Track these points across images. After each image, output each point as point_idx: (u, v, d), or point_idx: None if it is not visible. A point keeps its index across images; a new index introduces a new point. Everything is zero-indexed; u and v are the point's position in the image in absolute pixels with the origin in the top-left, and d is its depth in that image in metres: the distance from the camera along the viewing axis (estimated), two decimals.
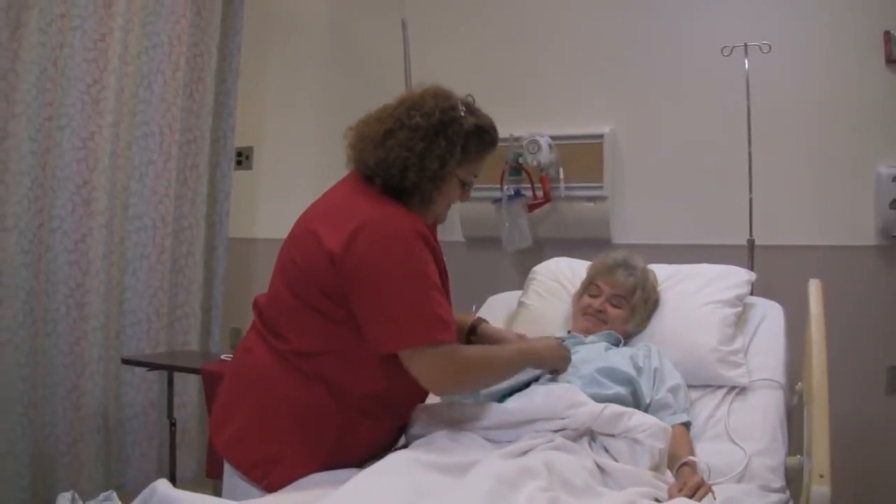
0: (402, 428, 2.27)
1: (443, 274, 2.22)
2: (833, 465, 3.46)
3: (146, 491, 1.52)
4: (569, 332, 2.77)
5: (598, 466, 2.01)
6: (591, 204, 3.87)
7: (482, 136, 2.24)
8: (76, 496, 1.52)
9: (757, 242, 3.49)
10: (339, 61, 4.49)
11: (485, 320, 2.52)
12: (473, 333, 2.44)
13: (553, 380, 2.34)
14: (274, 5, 4.67)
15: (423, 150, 2.14)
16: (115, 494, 1.54)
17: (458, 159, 2.19)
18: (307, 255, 2.12)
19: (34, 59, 3.35)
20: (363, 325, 2.07)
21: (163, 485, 1.51)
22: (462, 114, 2.19)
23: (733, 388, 2.64)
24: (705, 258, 3.18)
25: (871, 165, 3.49)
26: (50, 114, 3.48)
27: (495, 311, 3.21)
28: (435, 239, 2.30)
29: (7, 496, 3.35)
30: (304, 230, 2.17)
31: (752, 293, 3.23)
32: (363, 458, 2.08)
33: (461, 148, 2.19)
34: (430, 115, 2.16)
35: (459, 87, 3.84)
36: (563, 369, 2.36)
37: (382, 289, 2.04)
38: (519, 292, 3.23)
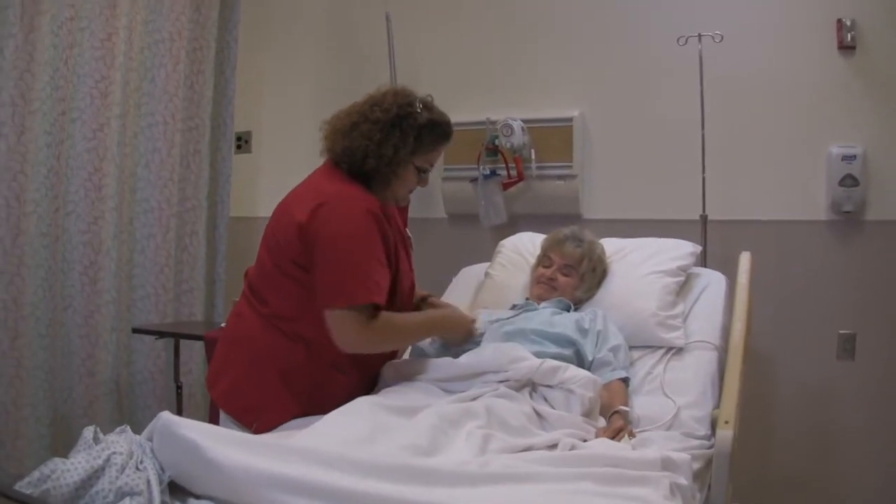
0: (373, 381, 2.55)
1: (398, 245, 2.50)
2: (786, 424, 3.73)
3: (154, 420, 1.78)
4: (526, 299, 3.01)
5: (536, 412, 2.29)
6: (562, 182, 4.05)
7: (434, 128, 2.53)
8: (98, 430, 1.79)
9: (713, 217, 3.67)
10: (330, 51, 4.64)
11: (433, 295, 2.80)
12: (424, 302, 2.74)
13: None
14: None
15: (380, 140, 2.45)
16: (128, 427, 1.81)
17: (411, 148, 2.49)
18: (282, 229, 2.42)
19: (47, 59, 3.51)
20: (315, 283, 2.35)
21: (166, 414, 1.76)
22: (418, 110, 2.49)
23: (671, 348, 2.84)
24: (665, 232, 3.36)
25: (824, 145, 3.67)
26: (63, 109, 3.64)
27: (467, 280, 3.45)
28: (402, 220, 2.61)
29: (30, 454, 3.53)
30: (282, 209, 2.48)
31: (704, 264, 3.44)
32: (338, 406, 2.25)
33: (414, 139, 2.48)
34: (388, 111, 2.47)
35: (440, 75, 4.16)
36: (460, 344, 2.65)
37: (331, 254, 2.33)
38: (488, 264, 3.42)
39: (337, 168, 2.50)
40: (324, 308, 2.35)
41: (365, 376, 2.54)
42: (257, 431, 2.30)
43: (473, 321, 2.71)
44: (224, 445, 1.66)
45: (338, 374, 2.45)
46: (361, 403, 2.22)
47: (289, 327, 2.43)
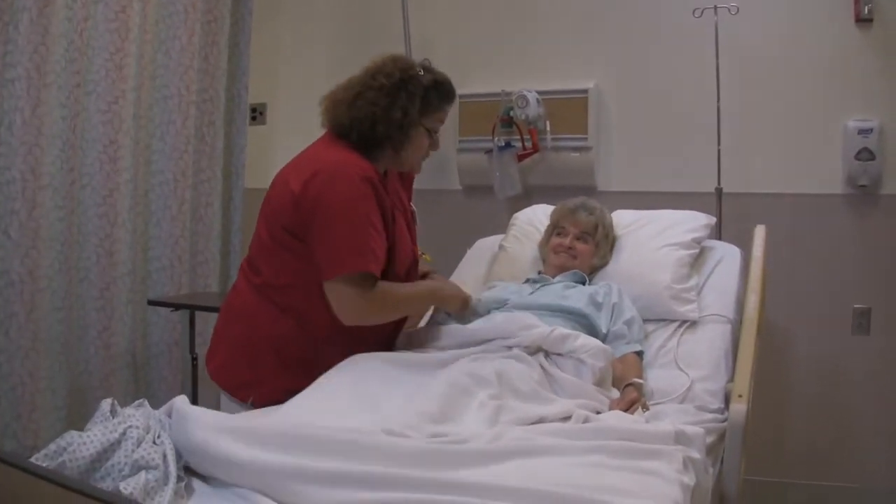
0: None
1: (395, 214, 2.48)
2: (800, 398, 3.75)
3: (169, 403, 1.81)
4: (539, 272, 3.01)
5: (547, 376, 2.30)
6: (577, 154, 4.05)
7: (439, 88, 2.53)
8: (115, 403, 1.80)
9: (728, 190, 3.68)
10: (344, 23, 4.61)
11: (435, 270, 2.79)
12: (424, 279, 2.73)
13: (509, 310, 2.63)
14: None
15: (387, 105, 2.43)
16: (146, 402, 1.83)
17: (419, 109, 2.48)
18: (278, 198, 2.41)
19: (62, 32, 3.47)
20: (314, 255, 2.35)
21: (180, 400, 1.79)
22: (420, 72, 2.49)
23: (685, 321, 2.85)
24: (680, 204, 3.34)
25: (840, 119, 3.68)
26: (78, 81, 3.60)
27: (482, 252, 3.46)
28: (407, 194, 2.61)
29: (47, 427, 3.53)
30: (279, 179, 2.46)
31: (719, 237, 3.44)
32: None
33: (421, 99, 2.48)
34: (391, 75, 2.46)
35: (455, 46, 4.18)
36: (460, 313, 2.67)
37: (326, 224, 2.31)
38: (503, 236, 3.43)
39: (338, 139, 2.47)
40: (323, 280, 2.34)
41: (357, 352, 2.44)
42: (254, 406, 2.34)
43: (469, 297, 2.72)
44: (232, 441, 1.67)
45: (329, 348, 2.41)
46: (356, 359, 2.28)
47: (280, 298, 2.43)
